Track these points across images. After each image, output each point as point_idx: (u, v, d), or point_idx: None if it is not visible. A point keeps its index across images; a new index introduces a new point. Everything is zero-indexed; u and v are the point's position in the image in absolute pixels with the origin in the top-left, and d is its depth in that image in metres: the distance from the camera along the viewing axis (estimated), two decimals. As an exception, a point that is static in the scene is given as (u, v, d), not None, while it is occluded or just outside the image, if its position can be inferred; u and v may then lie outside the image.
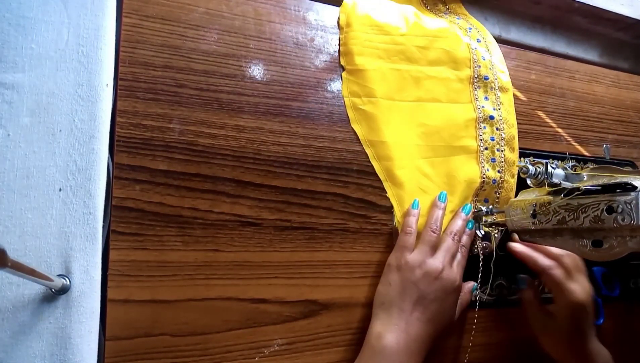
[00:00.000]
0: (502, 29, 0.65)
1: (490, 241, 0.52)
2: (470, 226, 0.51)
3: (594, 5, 0.65)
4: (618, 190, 0.36)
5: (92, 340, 0.36)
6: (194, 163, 0.43)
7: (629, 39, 0.75)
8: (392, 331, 0.43)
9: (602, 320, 0.57)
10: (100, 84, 0.39)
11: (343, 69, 0.50)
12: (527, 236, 0.45)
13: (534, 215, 0.43)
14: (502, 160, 0.53)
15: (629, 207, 0.35)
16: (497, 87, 0.55)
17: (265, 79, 0.47)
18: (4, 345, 0.34)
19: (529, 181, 0.46)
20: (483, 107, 0.54)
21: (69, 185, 0.37)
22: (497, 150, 0.53)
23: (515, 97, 0.59)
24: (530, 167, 0.43)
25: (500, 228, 0.52)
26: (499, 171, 0.53)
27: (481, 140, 0.53)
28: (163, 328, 0.40)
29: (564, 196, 0.40)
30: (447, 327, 0.46)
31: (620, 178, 0.37)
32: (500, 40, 0.61)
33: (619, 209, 0.35)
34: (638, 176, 0.36)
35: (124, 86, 0.42)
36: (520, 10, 0.66)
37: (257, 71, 0.47)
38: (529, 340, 0.53)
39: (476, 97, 0.54)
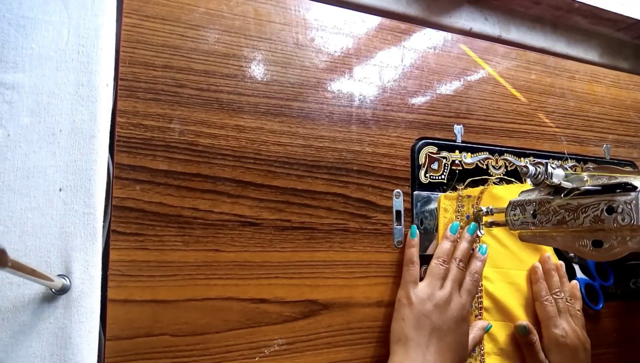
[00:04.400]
0: (502, 29, 0.65)
1: None
2: (483, 251, 0.51)
3: (594, 5, 0.65)
4: (618, 190, 0.36)
5: (92, 340, 0.36)
6: (194, 163, 0.43)
7: (629, 39, 0.75)
8: None
9: (601, 305, 0.59)
10: (100, 84, 0.39)
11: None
12: (527, 236, 0.45)
13: (534, 215, 0.43)
14: None
15: (629, 207, 0.35)
16: None
17: (265, 79, 0.47)
18: (4, 345, 0.34)
19: (529, 181, 0.46)
20: None
21: (69, 185, 0.37)
22: None
23: (516, 98, 0.59)
24: (530, 167, 0.43)
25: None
26: None
27: None
28: (163, 328, 0.40)
29: (564, 196, 0.40)
30: (463, 357, 0.47)
31: (620, 178, 0.37)
32: (500, 41, 0.61)
33: (619, 209, 0.35)
34: (638, 176, 0.36)
35: (124, 86, 0.42)
36: (520, 10, 0.66)
37: (257, 71, 0.47)
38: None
39: None
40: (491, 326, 0.51)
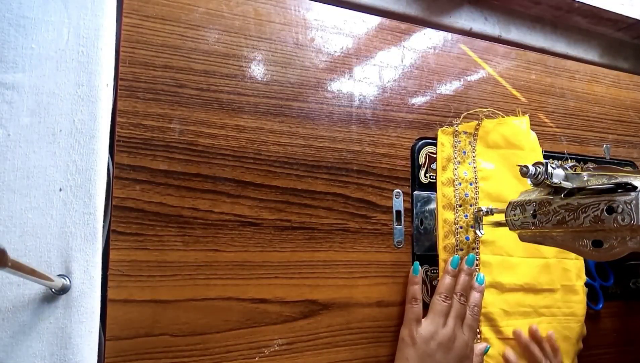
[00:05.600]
0: (502, 29, 0.65)
1: None
2: (480, 280, 0.50)
3: (594, 5, 0.65)
4: (620, 190, 0.36)
5: (92, 340, 0.36)
6: (194, 163, 0.43)
7: (629, 39, 0.75)
8: None
9: (601, 306, 0.59)
10: (100, 84, 0.39)
11: None
12: (527, 236, 0.45)
13: (534, 215, 0.43)
14: None
15: (629, 207, 0.35)
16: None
17: (265, 79, 0.47)
18: (4, 345, 0.34)
19: (529, 181, 0.46)
20: None
21: (69, 185, 0.37)
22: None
23: (516, 98, 0.59)
24: (531, 167, 0.43)
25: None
26: None
27: None
28: (163, 328, 0.40)
29: (564, 196, 0.40)
30: None
31: (620, 178, 0.37)
32: (500, 41, 0.61)
33: (619, 209, 0.35)
34: (638, 176, 0.36)
35: (124, 86, 0.42)
36: (520, 10, 0.66)
37: (257, 71, 0.47)
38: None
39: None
40: (489, 347, 0.51)
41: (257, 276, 0.44)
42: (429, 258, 0.51)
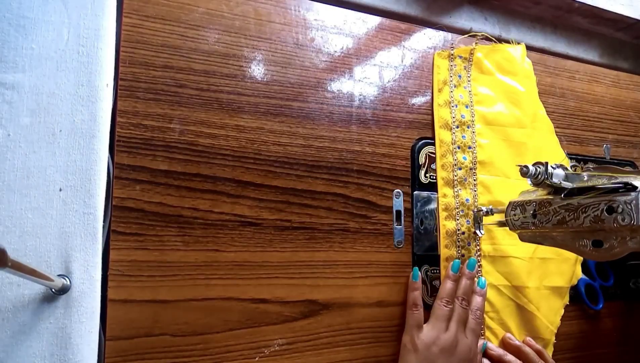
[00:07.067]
0: (502, 29, 0.65)
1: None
2: (482, 284, 0.50)
3: (594, 5, 0.65)
4: (621, 190, 0.36)
5: (92, 340, 0.36)
6: (194, 163, 0.43)
7: (629, 39, 0.75)
8: None
9: (601, 306, 0.59)
10: (100, 84, 0.39)
11: None
12: (527, 236, 0.45)
13: (534, 215, 0.43)
14: None
15: (629, 207, 0.35)
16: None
17: (265, 79, 0.47)
18: (4, 345, 0.34)
19: (529, 181, 0.46)
20: None
21: (69, 185, 0.37)
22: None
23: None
24: (531, 167, 0.43)
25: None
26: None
27: None
28: (163, 328, 0.40)
29: (564, 196, 0.40)
30: None
31: (620, 178, 0.37)
32: (500, 40, 0.61)
33: (619, 209, 0.35)
34: (638, 176, 0.36)
35: (124, 86, 0.42)
36: (520, 10, 0.66)
37: (257, 71, 0.47)
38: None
39: None
40: (486, 344, 0.51)
41: (257, 276, 0.44)
42: (429, 258, 0.51)
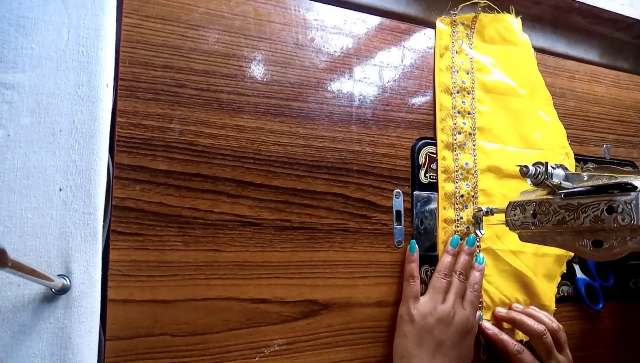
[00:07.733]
0: (502, 29, 0.65)
1: None
2: (480, 260, 0.51)
3: (594, 5, 0.65)
4: (615, 191, 0.36)
5: (92, 340, 0.36)
6: (194, 163, 0.43)
7: (629, 39, 0.75)
8: None
9: (601, 305, 0.59)
10: (100, 84, 0.39)
11: None
12: (527, 236, 0.45)
13: (534, 215, 0.43)
14: None
15: (629, 207, 0.35)
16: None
17: (265, 79, 0.47)
18: (4, 345, 0.34)
19: (528, 181, 0.46)
20: None
21: (69, 185, 0.37)
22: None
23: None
24: (531, 167, 0.43)
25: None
26: None
27: None
28: (163, 328, 0.40)
29: (564, 196, 0.40)
30: None
31: (620, 178, 0.37)
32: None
33: (619, 209, 0.35)
34: (638, 176, 0.36)
35: (124, 86, 0.42)
36: (520, 10, 0.66)
37: (257, 71, 0.47)
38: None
39: None
40: (482, 315, 0.51)
41: (257, 276, 0.44)
42: (429, 258, 0.51)
